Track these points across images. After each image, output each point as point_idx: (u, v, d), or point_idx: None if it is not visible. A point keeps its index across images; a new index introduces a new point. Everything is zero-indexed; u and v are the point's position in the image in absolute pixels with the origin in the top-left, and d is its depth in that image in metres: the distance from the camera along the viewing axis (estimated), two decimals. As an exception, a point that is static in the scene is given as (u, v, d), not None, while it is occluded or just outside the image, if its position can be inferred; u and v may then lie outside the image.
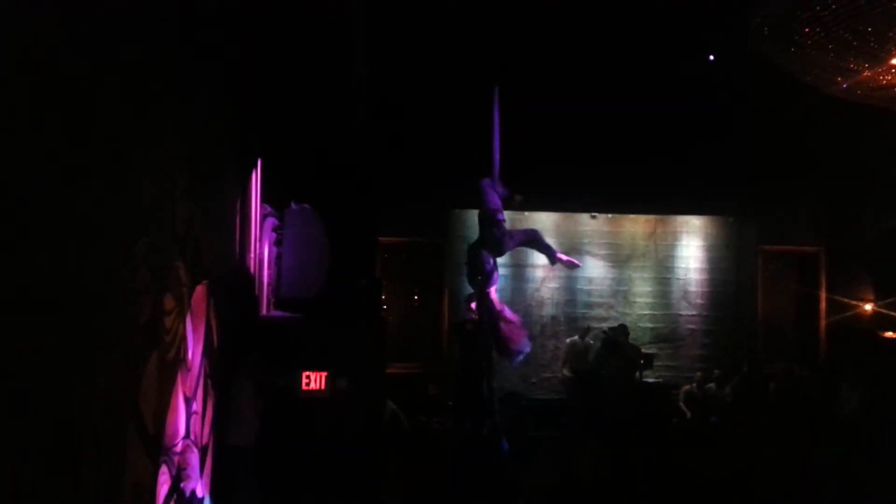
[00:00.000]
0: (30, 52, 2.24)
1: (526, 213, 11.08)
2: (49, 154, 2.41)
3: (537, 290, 11.09)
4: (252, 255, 6.05)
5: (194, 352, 4.22)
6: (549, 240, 11.25)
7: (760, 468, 7.78)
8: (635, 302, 11.24)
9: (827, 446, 8.12)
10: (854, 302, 10.64)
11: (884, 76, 5.70)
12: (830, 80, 5.95)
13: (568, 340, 10.41)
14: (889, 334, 10.10)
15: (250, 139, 6.02)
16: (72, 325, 2.59)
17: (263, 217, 6.41)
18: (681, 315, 11.28)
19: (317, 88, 6.99)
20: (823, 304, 11.05)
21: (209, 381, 4.72)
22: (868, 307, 10.50)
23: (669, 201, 10.58)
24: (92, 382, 2.77)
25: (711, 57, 9.20)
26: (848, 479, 7.40)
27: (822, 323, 11.00)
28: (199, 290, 4.34)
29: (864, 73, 5.65)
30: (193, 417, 4.26)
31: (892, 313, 9.98)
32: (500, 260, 7.38)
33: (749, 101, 9.61)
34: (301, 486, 5.59)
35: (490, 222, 6.88)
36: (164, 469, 3.61)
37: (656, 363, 10.38)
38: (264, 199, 6.38)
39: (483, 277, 6.88)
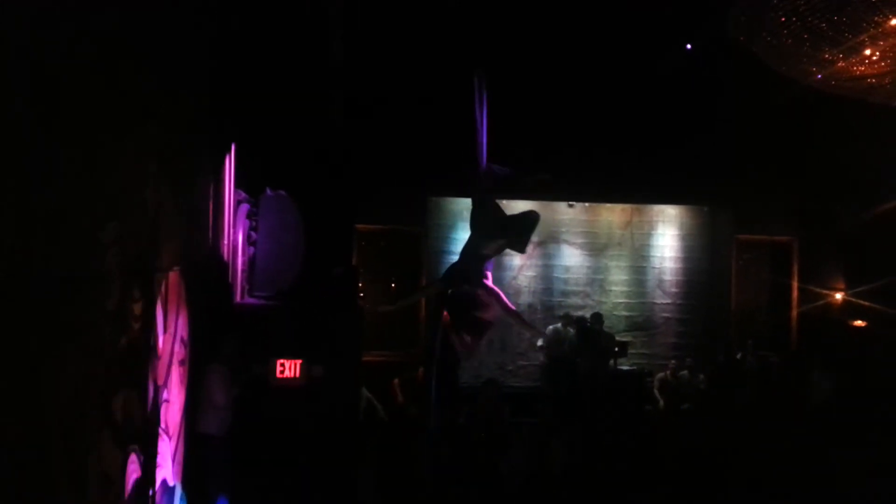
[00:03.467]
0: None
1: (504, 202, 11.04)
2: (15, 137, 2.35)
3: (514, 277, 11.10)
4: (225, 242, 5.98)
5: (165, 339, 4.16)
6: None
7: (733, 454, 7.88)
8: (611, 290, 11.31)
9: (799, 432, 8.25)
10: (826, 291, 10.78)
11: (857, 67, 5.74)
12: (806, 70, 5.99)
13: (550, 328, 10.43)
14: (859, 323, 10.26)
15: (224, 124, 5.93)
16: (38, 310, 2.53)
17: (237, 203, 6.33)
18: (656, 303, 11.37)
19: (293, 73, 6.91)
20: (796, 293, 11.19)
21: (181, 369, 4.66)
22: (839, 296, 10.64)
23: (646, 191, 10.63)
24: (58, 369, 2.71)
25: (688, 46, 9.21)
26: (819, 465, 7.52)
27: (795, 312, 11.15)
28: (171, 277, 4.27)
29: (839, 64, 5.68)
30: (164, 405, 4.21)
31: (863, 302, 10.12)
32: None
33: (726, 91, 9.66)
34: (274, 474, 5.56)
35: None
36: (132, 458, 3.56)
37: (631, 351, 10.46)
38: (238, 184, 6.29)
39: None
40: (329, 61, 7.66)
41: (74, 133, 2.81)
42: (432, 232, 10.53)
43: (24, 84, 2.39)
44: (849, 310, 10.44)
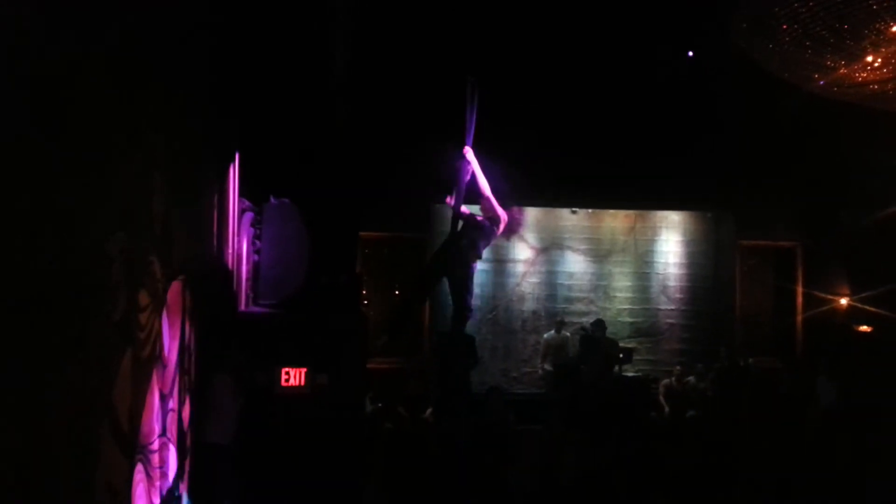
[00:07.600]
0: (1, 42, 2.19)
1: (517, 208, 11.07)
2: (21, 148, 2.36)
3: (518, 284, 11.10)
4: (230, 251, 5.99)
5: (170, 348, 4.17)
6: (530, 234, 11.33)
7: (740, 461, 7.85)
8: (615, 296, 11.30)
9: (804, 438, 8.22)
10: (830, 296, 10.76)
11: (859, 73, 5.75)
12: (807, 76, 6.00)
13: (545, 336, 10.47)
14: (864, 328, 10.24)
15: (228, 132, 5.96)
16: (45, 321, 2.55)
17: (241, 212, 6.35)
18: (660, 309, 11.35)
19: (297, 80, 6.93)
20: (800, 299, 11.17)
21: (186, 378, 4.67)
22: (844, 301, 10.62)
23: (649, 197, 10.64)
24: (65, 380, 2.72)
25: (690, 53, 9.24)
26: (825, 472, 7.50)
27: (799, 317, 11.13)
28: (176, 287, 4.29)
29: (841, 70, 5.69)
30: (170, 415, 4.21)
31: (868, 307, 10.10)
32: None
33: (728, 97, 9.67)
34: (281, 483, 5.56)
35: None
36: (139, 468, 3.57)
37: (636, 357, 10.44)
38: (242, 193, 6.31)
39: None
40: (333, 70, 7.68)
41: (80, 144, 2.83)
42: (436, 239, 10.53)
43: (31, 96, 2.41)
44: (854, 315, 10.42)
